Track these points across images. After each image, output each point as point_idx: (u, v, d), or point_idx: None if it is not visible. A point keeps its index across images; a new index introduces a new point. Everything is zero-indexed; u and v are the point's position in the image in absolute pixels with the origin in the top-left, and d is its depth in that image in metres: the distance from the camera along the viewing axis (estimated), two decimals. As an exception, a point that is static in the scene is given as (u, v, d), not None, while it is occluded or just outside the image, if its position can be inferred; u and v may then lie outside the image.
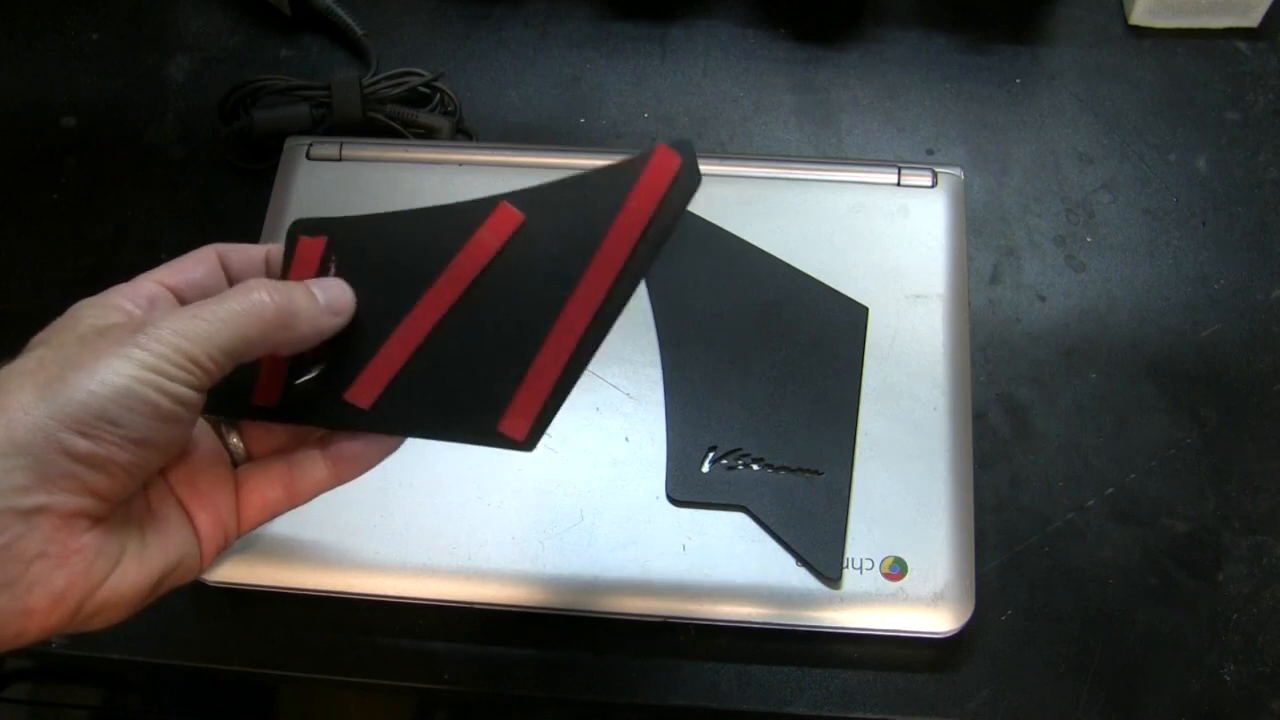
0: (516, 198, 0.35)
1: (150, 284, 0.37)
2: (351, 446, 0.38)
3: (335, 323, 0.38)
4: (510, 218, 0.35)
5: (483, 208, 0.35)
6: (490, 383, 0.35)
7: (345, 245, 0.38)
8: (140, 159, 0.60)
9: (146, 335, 0.33)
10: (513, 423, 0.35)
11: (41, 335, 0.35)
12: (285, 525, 0.46)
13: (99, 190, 0.59)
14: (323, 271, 0.38)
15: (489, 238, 0.35)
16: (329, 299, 0.37)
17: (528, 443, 0.35)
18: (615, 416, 0.48)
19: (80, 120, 0.61)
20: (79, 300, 0.35)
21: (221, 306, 0.34)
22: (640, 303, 0.51)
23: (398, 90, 0.58)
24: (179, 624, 0.48)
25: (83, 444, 0.31)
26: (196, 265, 0.38)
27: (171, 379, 0.33)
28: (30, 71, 0.63)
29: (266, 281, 0.36)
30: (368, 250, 0.37)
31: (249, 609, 0.47)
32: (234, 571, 0.46)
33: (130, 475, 0.33)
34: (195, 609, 0.48)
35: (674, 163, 0.33)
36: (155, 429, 0.33)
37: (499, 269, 0.35)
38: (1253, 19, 0.63)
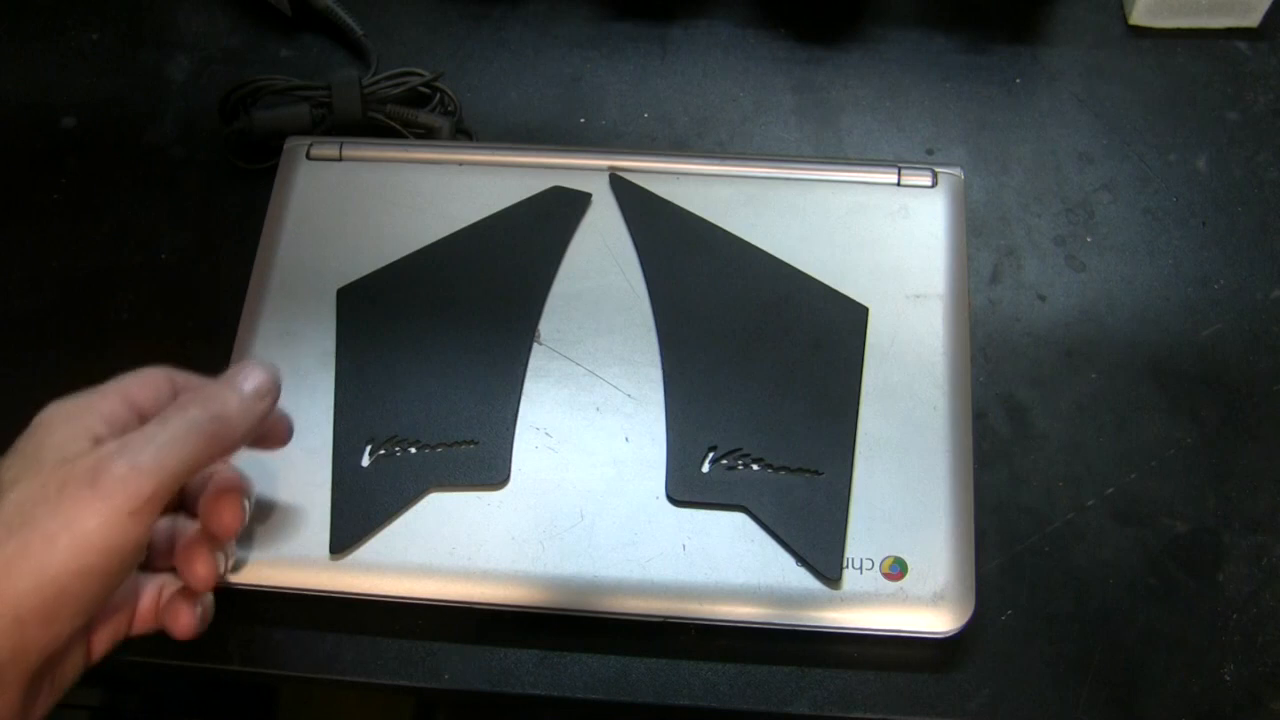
0: None
1: (116, 401, 0.36)
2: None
3: (264, 406, 0.37)
4: None
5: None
6: None
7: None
8: (140, 159, 0.60)
9: (106, 483, 0.32)
10: None
11: (7, 461, 0.34)
12: (285, 525, 0.46)
13: (99, 190, 0.59)
14: None
15: None
16: (253, 387, 0.37)
17: None
18: (615, 416, 0.48)
19: (80, 120, 0.61)
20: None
21: (164, 432, 0.34)
22: (640, 303, 0.51)
23: (398, 90, 0.58)
24: (179, 624, 0.48)
25: (40, 634, 0.32)
26: (148, 387, 0.38)
27: (130, 535, 0.33)
28: (30, 71, 0.63)
29: (194, 395, 0.36)
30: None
31: (249, 609, 0.47)
32: (234, 571, 0.46)
33: (75, 631, 0.34)
34: (195, 609, 0.48)
35: None
36: (111, 588, 0.34)
37: None
38: (1253, 19, 0.63)
